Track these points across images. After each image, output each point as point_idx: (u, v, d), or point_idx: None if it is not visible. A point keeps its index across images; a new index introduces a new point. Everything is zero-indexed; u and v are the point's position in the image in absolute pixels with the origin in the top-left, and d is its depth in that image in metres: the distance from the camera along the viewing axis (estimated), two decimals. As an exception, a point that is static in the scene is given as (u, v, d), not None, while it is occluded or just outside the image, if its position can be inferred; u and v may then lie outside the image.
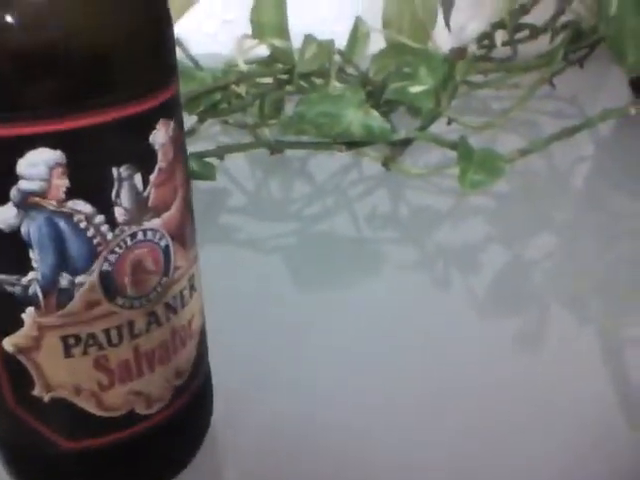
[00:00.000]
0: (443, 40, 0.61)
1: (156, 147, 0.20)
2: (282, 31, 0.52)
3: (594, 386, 0.31)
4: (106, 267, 0.20)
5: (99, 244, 0.20)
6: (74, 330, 0.20)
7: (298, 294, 0.39)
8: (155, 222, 0.21)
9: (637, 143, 0.56)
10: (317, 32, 0.52)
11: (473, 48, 0.50)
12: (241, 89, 0.50)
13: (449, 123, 0.49)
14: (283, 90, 0.51)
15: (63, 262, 0.19)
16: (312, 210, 0.50)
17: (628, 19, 0.44)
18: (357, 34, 0.56)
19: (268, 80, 0.53)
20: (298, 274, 0.41)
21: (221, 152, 0.47)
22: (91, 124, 0.18)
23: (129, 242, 0.20)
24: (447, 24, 0.54)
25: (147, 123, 0.20)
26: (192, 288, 0.24)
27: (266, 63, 0.55)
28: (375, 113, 0.44)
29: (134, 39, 0.19)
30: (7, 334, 0.20)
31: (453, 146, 0.44)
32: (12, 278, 0.19)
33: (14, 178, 0.18)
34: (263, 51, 0.56)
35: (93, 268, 0.20)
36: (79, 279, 0.20)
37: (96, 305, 0.20)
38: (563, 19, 0.57)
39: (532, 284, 0.40)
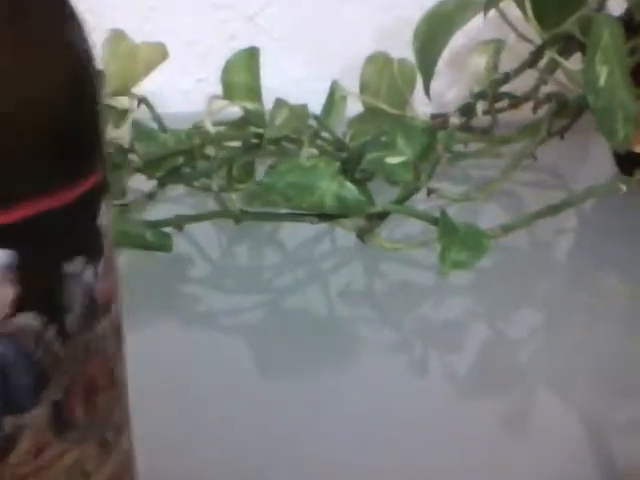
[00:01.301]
0: (421, 105, 0.59)
1: (102, 230, 0.17)
2: (254, 93, 0.50)
3: (579, 470, 0.31)
4: (57, 396, 0.16)
5: (48, 367, 0.16)
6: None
7: (263, 380, 0.37)
8: (104, 324, 0.17)
9: (620, 216, 0.55)
10: (291, 93, 0.50)
11: (454, 119, 0.48)
12: (209, 151, 0.47)
13: (428, 194, 0.47)
14: (252, 154, 0.48)
15: (5, 402, 0.15)
16: (282, 282, 0.47)
17: (618, 92, 0.43)
18: (333, 98, 0.54)
19: (237, 143, 0.50)
20: (263, 356, 0.39)
21: (180, 221, 0.44)
22: (34, 214, 0.15)
23: (82, 357, 0.16)
24: (427, 92, 0.52)
25: (94, 204, 0.16)
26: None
27: (238, 125, 0.52)
28: (350, 185, 0.41)
29: (74, 111, 0.16)
30: None
31: (434, 221, 0.42)
32: None
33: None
34: (236, 112, 0.54)
35: (42, 400, 0.16)
36: (25, 419, 0.16)
37: (44, 448, 0.16)
38: (545, 89, 0.56)
39: (516, 363, 0.39)
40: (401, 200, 0.42)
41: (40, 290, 0.15)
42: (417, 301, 0.45)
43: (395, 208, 0.41)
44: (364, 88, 0.58)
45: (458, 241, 0.40)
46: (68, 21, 0.15)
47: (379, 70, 0.60)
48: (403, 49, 0.62)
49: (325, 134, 0.52)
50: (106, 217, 0.16)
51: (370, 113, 0.58)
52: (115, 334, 0.17)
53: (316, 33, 0.73)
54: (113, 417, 0.18)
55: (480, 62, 0.58)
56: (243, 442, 0.32)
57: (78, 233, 0.15)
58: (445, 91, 0.72)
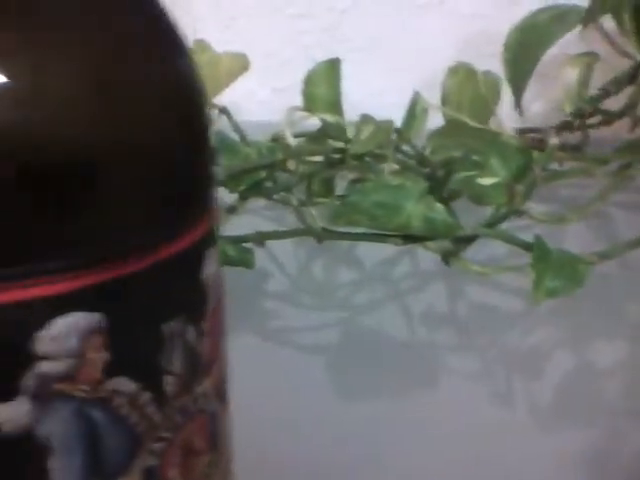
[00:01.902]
0: (504, 119, 0.57)
1: (207, 285, 0.15)
2: (334, 105, 0.49)
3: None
4: (150, 462, 0.15)
5: (142, 433, 0.14)
6: None
7: (337, 401, 0.36)
8: (205, 383, 0.16)
9: None
10: (372, 104, 0.48)
11: (554, 138, 0.45)
12: (290, 165, 0.46)
13: (519, 215, 0.44)
14: (334, 170, 0.47)
15: (95, 467, 0.14)
16: (358, 301, 0.46)
17: None
18: (415, 110, 0.52)
19: (318, 158, 0.49)
20: (339, 377, 0.38)
21: (261, 238, 0.43)
22: (134, 272, 0.13)
23: (179, 420, 0.15)
24: (518, 106, 0.50)
25: (198, 256, 0.15)
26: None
27: (316, 138, 0.51)
28: (439, 206, 0.39)
29: (182, 160, 0.14)
30: None
31: (527, 247, 0.39)
32: None
33: (28, 360, 0.13)
34: (314, 124, 0.53)
35: (134, 466, 0.14)
36: (114, 486, 0.14)
37: (135, 517, 0.15)
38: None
39: (601, 396, 0.37)
40: (493, 223, 0.40)
41: (134, 354, 0.14)
42: (501, 327, 0.43)
43: (487, 232, 0.39)
44: (445, 100, 0.56)
45: (552, 267, 0.38)
46: (183, 58, 0.14)
47: (462, 82, 0.58)
48: (485, 61, 0.60)
49: (406, 148, 0.51)
50: (212, 268, 0.15)
51: (451, 126, 0.56)
52: (217, 394, 0.16)
53: (395, 44, 0.71)
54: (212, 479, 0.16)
55: (572, 75, 0.55)
56: (317, 461, 0.31)
57: (179, 290, 0.14)
58: (528, 105, 0.69)
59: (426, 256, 0.49)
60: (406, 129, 0.51)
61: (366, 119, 0.43)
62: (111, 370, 0.13)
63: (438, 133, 0.55)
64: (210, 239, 0.15)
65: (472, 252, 0.48)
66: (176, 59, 0.14)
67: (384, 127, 0.43)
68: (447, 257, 0.43)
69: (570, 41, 0.57)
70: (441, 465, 0.31)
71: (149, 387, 0.14)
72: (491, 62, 0.59)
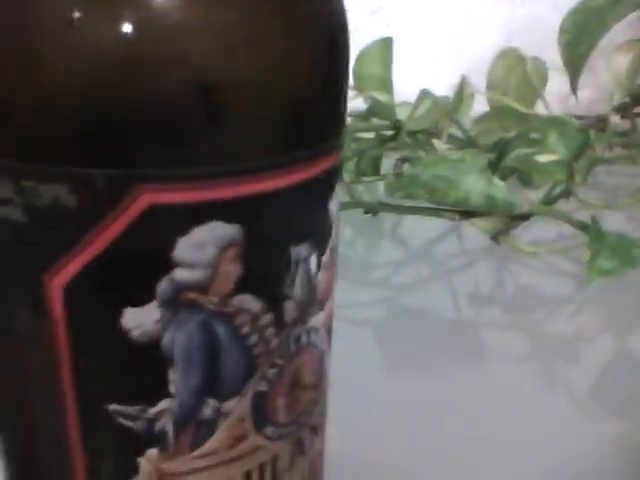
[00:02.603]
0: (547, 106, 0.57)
1: (332, 217, 0.15)
2: (385, 84, 0.48)
3: None
4: (262, 387, 0.15)
5: (259, 355, 0.14)
6: (207, 477, 0.14)
7: (383, 377, 0.35)
8: (319, 317, 0.15)
9: None
10: (413, 89, 0.48)
11: (615, 118, 0.45)
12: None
13: (567, 197, 0.44)
14: (383, 147, 0.47)
15: (212, 383, 0.14)
16: (403, 279, 0.45)
17: None
18: (462, 94, 0.52)
19: (368, 135, 0.49)
20: (384, 353, 0.37)
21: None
22: (275, 188, 0.13)
23: (292, 349, 0.15)
24: (573, 89, 0.49)
25: (326, 187, 0.15)
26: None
27: (364, 117, 0.50)
28: (498, 182, 0.38)
29: (327, 83, 0.14)
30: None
31: (582, 227, 0.39)
32: (134, 409, 0.13)
33: (167, 266, 0.12)
34: (359, 104, 0.52)
35: (247, 389, 0.14)
36: (227, 406, 0.14)
37: (241, 440, 0.15)
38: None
39: None
40: (550, 202, 0.39)
41: (263, 272, 0.13)
42: (549, 310, 0.43)
43: (545, 210, 0.39)
44: (491, 85, 0.56)
45: (607, 249, 0.38)
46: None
47: (509, 67, 0.58)
48: (531, 47, 0.59)
49: (455, 130, 0.50)
50: (336, 203, 0.15)
51: (497, 111, 0.55)
52: (327, 332, 0.16)
53: (440, 29, 0.71)
54: (311, 418, 0.16)
55: (623, 62, 0.55)
56: (365, 436, 0.30)
57: (310, 215, 0.14)
58: (571, 93, 0.69)
59: (471, 235, 0.49)
60: (454, 111, 0.51)
61: (425, 94, 0.42)
62: (240, 286, 0.13)
63: (483, 117, 0.54)
64: (339, 172, 0.15)
65: (516, 233, 0.48)
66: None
67: (441, 103, 0.42)
68: (498, 235, 0.43)
69: (616, 30, 0.57)
70: (482, 437, 0.31)
71: (271, 309, 0.14)
72: (536, 48, 0.59)
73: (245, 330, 0.14)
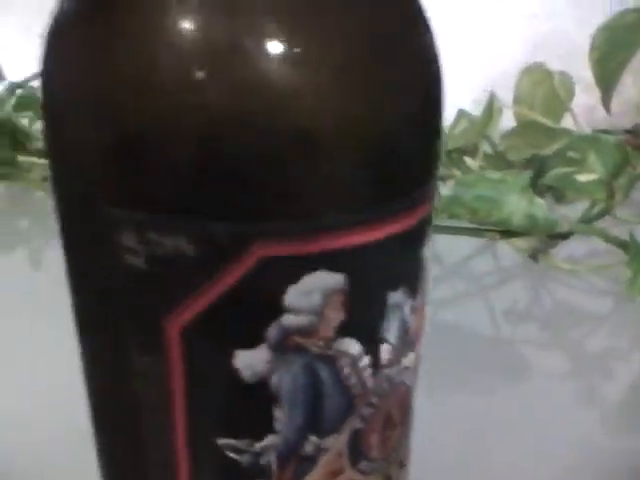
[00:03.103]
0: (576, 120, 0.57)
1: (424, 263, 0.15)
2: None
3: None
4: (358, 424, 0.15)
5: (357, 395, 0.15)
6: (306, 509, 0.15)
7: (421, 392, 0.36)
8: (410, 357, 0.16)
9: None
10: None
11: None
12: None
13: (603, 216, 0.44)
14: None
15: (314, 421, 0.14)
16: (439, 294, 0.44)
17: None
18: (492, 109, 0.52)
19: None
20: (422, 368, 0.37)
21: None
22: (375, 239, 0.13)
23: (387, 389, 0.15)
24: (606, 107, 0.49)
25: (421, 234, 0.15)
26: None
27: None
28: (540, 201, 0.39)
29: (426, 133, 0.14)
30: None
31: (621, 244, 0.39)
32: (241, 443, 0.14)
33: (276, 312, 0.13)
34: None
35: (344, 427, 0.15)
36: (326, 442, 0.15)
37: (338, 474, 0.15)
38: None
39: None
40: (590, 220, 0.40)
41: (363, 317, 0.14)
42: (588, 328, 0.43)
43: (585, 229, 0.39)
44: (518, 100, 0.56)
45: (647, 266, 0.38)
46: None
47: (535, 82, 0.58)
48: (555, 61, 0.59)
49: (485, 147, 0.51)
50: (428, 249, 0.15)
51: (524, 126, 0.55)
52: (415, 370, 0.16)
53: (463, 44, 0.71)
54: (399, 453, 0.16)
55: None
56: None
57: (406, 262, 0.14)
58: (595, 108, 0.69)
59: (505, 253, 0.49)
60: (483, 127, 0.51)
61: (462, 114, 0.43)
62: (342, 330, 0.14)
63: (512, 133, 0.55)
64: (431, 219, 0.15)
65: (553, 251, 0.48)
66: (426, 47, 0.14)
67: (477, 122, 0.43)
68: (537, 254, 0.43)
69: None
70: (519, 460, 0.31)
71: (369, 352, 0.14)
72: (559, 62, 0.59)
73: (345, 372, 0.14)
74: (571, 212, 0.45)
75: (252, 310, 0.13)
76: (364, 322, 0.14)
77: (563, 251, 0.48)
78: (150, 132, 0.12)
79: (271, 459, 0.14)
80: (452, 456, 0.30)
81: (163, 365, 0.13)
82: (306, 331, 0.13)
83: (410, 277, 0.15)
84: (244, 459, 0.14)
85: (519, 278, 0.48)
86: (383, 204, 0.13)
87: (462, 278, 0.48)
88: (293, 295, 0.13)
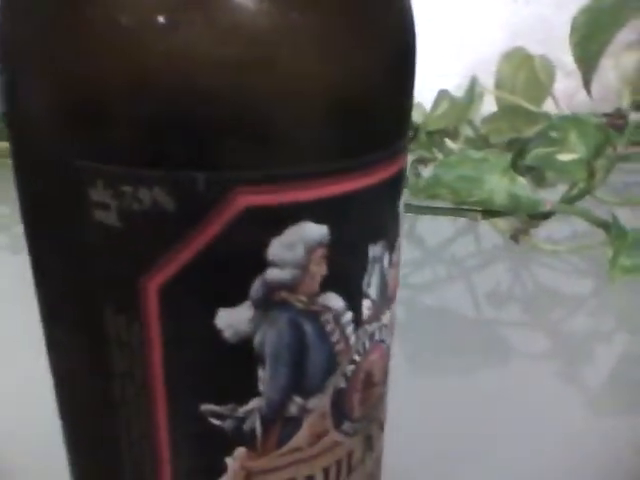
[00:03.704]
0: (557, 103, 0.57)
1: (400, 217, 0.15)
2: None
3: None
4: (341, 384, 0.15)
5: (340, 352, 0.14)
6: (290, 474, 0.15)
7: (403, 378, 0.36)
8: (387, 315, 0.16)
9: None
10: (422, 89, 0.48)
11: (635, 115, 0.45)
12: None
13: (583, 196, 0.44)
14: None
15: (298, 381, 0.14)
16: (421, 277, 0.45)
17: None
18: (473, 94, 0.52)
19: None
20: (403, 352, 0.37)
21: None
22: (359, 188, 0.13)
23: (367, 346, 0.15)
24: (587, 89, 0.49)
25: (399, 186, 0.15)
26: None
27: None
28: (522, 181, 0.39)
29: (403, 83, 0.14)
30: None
31: (603, 225, 0.39)
32: (224, 408, 0.14)
33: (260, 266, 0.13)
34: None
35: (328, 386, 0.15)
36: (311, 403, 0.14)
37: (322, 436, 0.15)
38: None
39: None
40: (570, 200, 0.40)
41: (346, 271, 0.14)
42: (566, 307, 0.43)
43: (567, 208, 0.39)
44: (499, 85, 0.56)
45: (629, 246, 0.38)
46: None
47: (516, 66, 0.58)
48: (535, 46, 0.60)
49: (466, 130, 0.50)
50: (402, 203, 0.15)
51: (506, 110, 0.56)
52: (392, 327, 0.16)
53: (443, 29, 0.71)
54: (379, 413, 0.16)
55: (631, 60, 0.55)
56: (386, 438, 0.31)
57: (384, 215, 0.14)
58: (576, 92, 0.69)
59: (487, 235, 0.49)
60: (465, 112, 0.51)
61: (443, 94, 0.43)
62: (325, 284, 0.13)
63: (494, 116, 0.55)
64: (405, 172, 0.15)
65: (532, 232, 0.48)
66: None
67: (459, 103, 0.43)
68: (517, 235, 0.43)
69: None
70: (500, 441, 0.31)
71: (351, 307, 0.14)
72: (540, 47, 0.59)
73: (329, 328, 0.14)
74: (550, 195, 0.45)
75: (234, 265, 0.12)
76: (347, 276, 0.14)
77: (543, 233, 0.48)
78: (122, 80, 0.12)
79: (255, 423, 0.14)
80: (433, 438, 0.31)
81: (140, 329, 0.13)
82: (290, 286, 0.13)
83: (388, 231, 0.14)
84: (227, 425, 0.14)
85: (500, 260, 0.48)
86: (365, 154, 0.13)
87: (443, 261, 0.48)
88: (276, 248, 0.12)
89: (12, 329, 0.36)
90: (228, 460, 0.14)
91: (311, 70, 0.12)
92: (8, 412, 0.31)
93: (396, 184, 0.14)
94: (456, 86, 0.58)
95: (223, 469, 0.14)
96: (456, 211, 0.40)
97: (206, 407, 0.14)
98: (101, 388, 0.14)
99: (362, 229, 0.14)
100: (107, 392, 0.14)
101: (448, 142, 0.49)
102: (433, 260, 0.48)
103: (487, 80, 0.58)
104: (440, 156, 0.46)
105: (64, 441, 0.16)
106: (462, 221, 0.50)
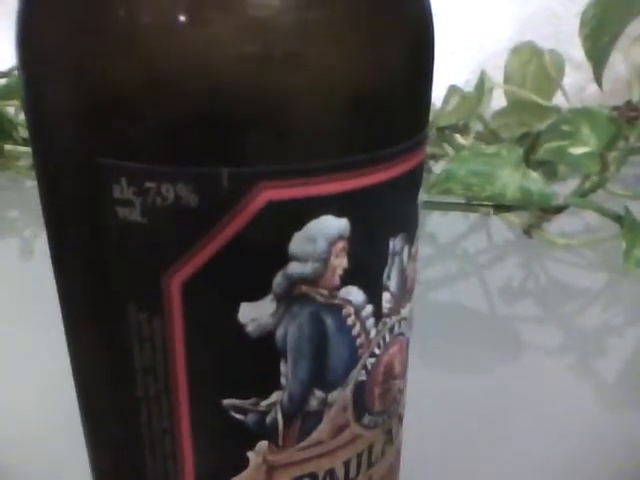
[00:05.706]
0: (567, 97, 0.57)
1: (419, 210, 0.15)
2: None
3: None
4: (362, 377, 0.15)
5: (361, 345, 0.15)
6: (312, 467, 0.15)
7: (415, 371, 0.36)
8: (407, 308, 0.16)
9: None
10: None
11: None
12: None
13: (595, 190, 0.44)
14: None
15: (319, 374, 0.14)
16: (434, 273, 0.45)
17: None
18: (483, 89, 0.52)
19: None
20: (416, 347, 0.37)
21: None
22: (378, 182, 0.13)
23: (388, 339, 0.15)
24: (598, 82, 0.49)
25: (418, 179, 0.15)
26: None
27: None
28: (534, 175, 0.39)
29: (423, 76, 0.14)
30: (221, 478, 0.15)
31: (616, 218, 0.39)
32: (246, 402, 0.14)
33: (282, 260, 0.13)
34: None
35: (349, 380, 0.15)
36: (332, 396, 0.14)
37: (343, 429, 0.15)
38: None
39: None
40: (583, 194, 0.39)
41: (366, 264, 0.14)
42: (579, 301, 0.43)
43: (580, 202, 0.39)
44: (508, 79, 0.56)
45: (642, 239, 0.38)
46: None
47: (525, 61, 0.58)
48: (544, 40, 0.59)
49: (475, 125, 0.50)
50: (420, 195, 0.15)
51: (516, 105, 0.55)
52: (411, 321, 0.16)
53: (451, 24, 0.71)
54: (398, 407, 0.16)
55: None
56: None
57: (404, 208, 0.14)
58: (586, 84, 0.69)
59: (499, 230, 0.49)
60: (475, 107, 0.51)
61: (454, 90, 0.42)
62: (346, 278, 0.13)
63: (503, 111, 0.54)
64: (424, 165, 0.15)
65: (544, 226, 0.47)
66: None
67: (469, 98, 0.42)
68: (530, 229, 0.43)
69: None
70: (514, 436, 0.31)
71: (372, 300, 0.14)
72: (547, 41, 0.59)
73: (349, 321, 0.14)
74: (562, 189, 0.45)
75: (257, 260, 0.13)
76: (367, 269, 0.14)
77: (556, 227, 0.48)
78: (144, 77, 0.12)
79: (277, 417, 0.14)
80: (448, 433, 0.30)
81: (162, 324, 0.13)
82: (311, 279, 0.13)
83: (408, 223, 0.15)
84: (249, 419, 0.14)
85: (513, 255, 0.48)
86: (385, 147, 0.13)
87: (455, 256, 0.48)
88: (298, 242, 0.13)
89: (22, 331, 0.37)
90: (250, 454, 0.14)
91: (332, 65, 0.12)
92: (8, 412, 0.31)
93: (416, 177, 0.14)
94: (465, 81, 0.58)
95: (245, 463, 0.14)
96: (468, 206, 0.40)
97: (228, 401, 0.14)
98: (124, 384, 0.14)
99: (383, 222, 0.14)
100: (130, 388, 0.14)
101: (458, 137, 0.49)
102: (445, 256, 0.47)
103: (496, 75, 0.58)
104: (451, 152, 0.46)
105: (85, 439, 0.16)
106: (474, 216, 0.50)
